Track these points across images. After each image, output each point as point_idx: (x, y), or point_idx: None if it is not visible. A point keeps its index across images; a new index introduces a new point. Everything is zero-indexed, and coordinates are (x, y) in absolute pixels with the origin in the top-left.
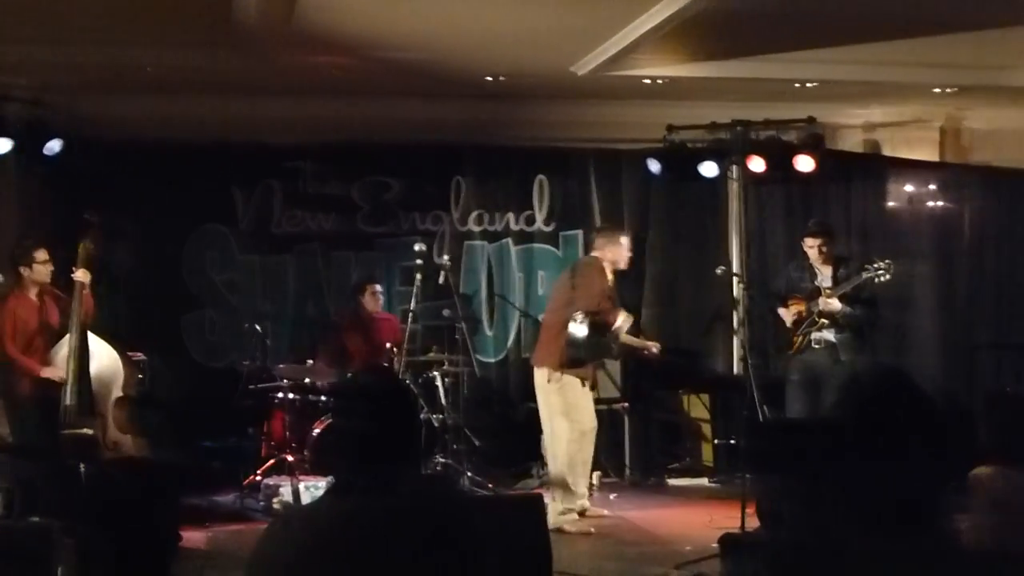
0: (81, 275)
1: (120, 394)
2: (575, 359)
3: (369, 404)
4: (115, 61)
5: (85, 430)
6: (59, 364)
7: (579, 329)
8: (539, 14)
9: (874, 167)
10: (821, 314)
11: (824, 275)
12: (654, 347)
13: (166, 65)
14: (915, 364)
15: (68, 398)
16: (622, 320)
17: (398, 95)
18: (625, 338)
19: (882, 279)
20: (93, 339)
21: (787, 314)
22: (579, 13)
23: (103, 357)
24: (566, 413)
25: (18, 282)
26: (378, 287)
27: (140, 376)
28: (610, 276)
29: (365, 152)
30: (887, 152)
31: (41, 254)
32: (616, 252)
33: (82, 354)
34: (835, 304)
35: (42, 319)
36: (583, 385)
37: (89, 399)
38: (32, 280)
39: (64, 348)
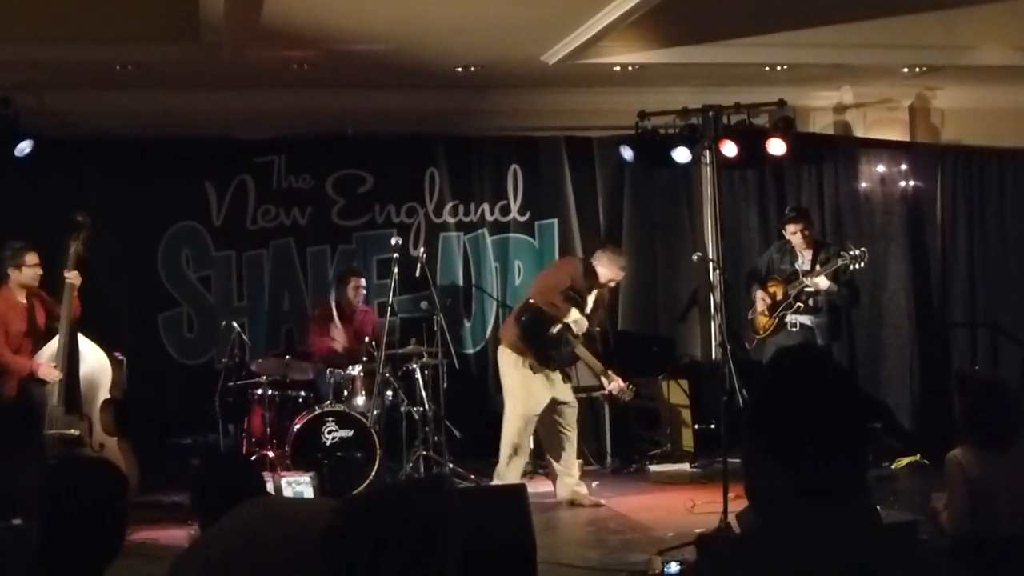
0: (73, 277)
1: (108, 396)
2: (520, 340)
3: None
4: (85, 58)
5: (71, 431)
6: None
7: (525, 314)
8: (508, 3)
9: (845, 148)
10: (803, 294)
11: (805, 258)
12: (615, 386)
13: (135, 62)
14: (889, 344)
15: (55, 399)
16: (574, 317)
17: (369, 87)
18: (582, 352)
19: (858, 266)
20: (82, 340)
21: (763, 296)
22: (548, 1)
23: (92, 359)
24: (513, 393)
25: (5, 284)
26: (363, 281)
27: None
28: (594, 291)
29: (338, 145)
30: (858, 133)
31: (32, 257)
32: (611, 271)
33: (71, 355)
34: (823, 282)
35: (30, 321)
36: (533, 372)
37: (76, 400)
38: (20, 283)
39: (49, 350)
